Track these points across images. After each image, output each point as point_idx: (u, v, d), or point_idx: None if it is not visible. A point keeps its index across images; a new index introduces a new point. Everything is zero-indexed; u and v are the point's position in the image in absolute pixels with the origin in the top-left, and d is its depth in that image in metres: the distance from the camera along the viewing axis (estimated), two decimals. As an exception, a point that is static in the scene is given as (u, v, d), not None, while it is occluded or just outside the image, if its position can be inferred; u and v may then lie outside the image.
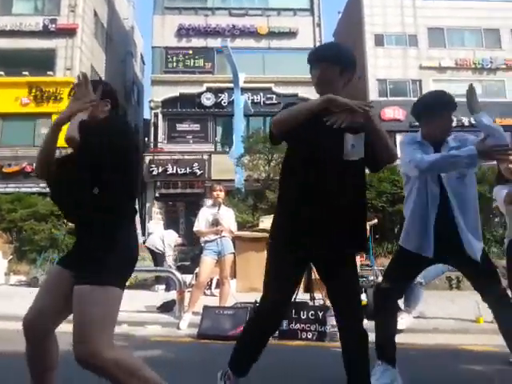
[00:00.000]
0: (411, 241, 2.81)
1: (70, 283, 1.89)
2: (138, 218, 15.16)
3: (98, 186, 1.95)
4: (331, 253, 2.18)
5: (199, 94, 21.30)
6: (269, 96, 21.19)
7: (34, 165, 2.20)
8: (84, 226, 2.00)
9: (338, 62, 2.18)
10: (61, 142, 1.99)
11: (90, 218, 1.94)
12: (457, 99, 2.76)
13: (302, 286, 5.25)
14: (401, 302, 4.09)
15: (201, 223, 5.47)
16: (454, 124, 2.83)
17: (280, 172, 2.44)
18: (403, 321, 4.48)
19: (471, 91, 2.67)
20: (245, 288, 6.96)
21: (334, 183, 2.13)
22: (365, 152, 2.15)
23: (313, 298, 5.12)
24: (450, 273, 5.91)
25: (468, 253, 2.67)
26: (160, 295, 7.19)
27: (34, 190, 16.64)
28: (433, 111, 2.73)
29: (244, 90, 19.05)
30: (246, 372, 2.32)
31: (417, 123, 2.94)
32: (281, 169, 2.44)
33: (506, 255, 3.70)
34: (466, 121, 18.66)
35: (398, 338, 2.87)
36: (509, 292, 3.41)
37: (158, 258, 9.06)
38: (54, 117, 2.17)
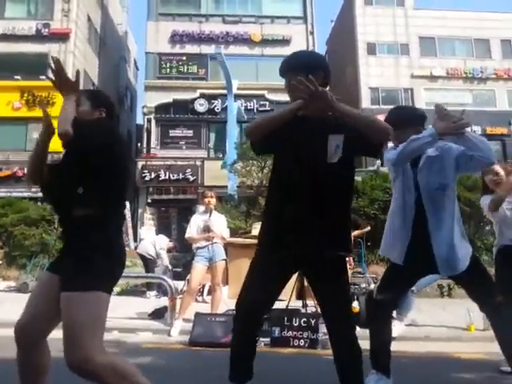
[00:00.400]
0: (385, 247, 2.87)
1: (59, 289, 1.88)
2: (129, 224, 15.11)
3: (84, 186, 1.94)
4: (315, 251, 2.15)
5: (192, 100, 21.32)
6: (262, 103, 21.27)
7: (26, 170, 2.20)
8: (70, 228, 1.99)
9: (300, 70, 2.20)
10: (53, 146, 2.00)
11: (76, 219, 1.93)
12: (448, 108, 2.77)
13: (294, 293, 5.25)
14: (393, 310, 4.09)
15: (192, 230, 5.44)
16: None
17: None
18: (395, 328, 4.47)
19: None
20: (237, 295, 6.90)
21: (316, 184, 2.14)
22: (356, 142, 2.11)
23: (305, 305, 5.12)
24: (441, 280, 5.92)
25: (439, 268, 2.66)
26: (151, 302, 7.13)
27: (25, 194, 16.47)
28: (407, 125, 2.72)
29: (237, 97, 19.12)
30: (246, 379, 2.28)
31: None
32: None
33: (494, 264, 3.74)
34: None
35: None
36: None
37: (149, 264, 9.00)
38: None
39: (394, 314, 4.64)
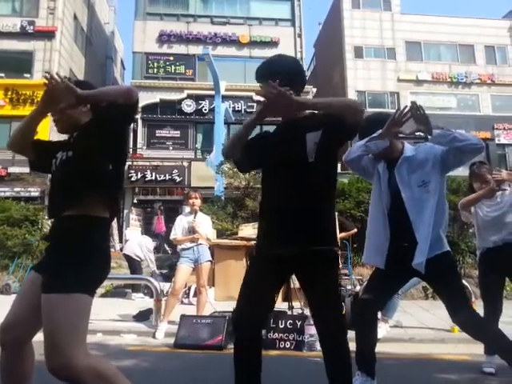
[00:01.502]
0: (368, 254, 2.93)
1: (41, 290, 1.83)
2: (115, 225, 14.93)
3: (94, 184, 1.92)
4: (299, 249, 2.16)
5: (180, 101, 21.22)
6: (250, 104, 21.25)
7: (10, 138, 2.09)
8: (65, 227, 1.93)
9: (266, 76, 2.26)
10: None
11: (79, 218, 1.89)
12: (433, 112, 2.78)
13: (280, 295, 5.25)
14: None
15: (177, 231, 5.41)
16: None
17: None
18: (380, 330, 4.51)
19: (416, 108, 2.54)
20: (223, 296, 6.90)
21: (299, 184, 2.20)
22: (332, 131, 2.17)
23: (291, 307, 5.12)
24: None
25: (414, 263, 2.62)
26: (136, 303, 7.07)
27: (8, 194, 16.25)
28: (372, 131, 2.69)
29: (225, 98, 19.07)
30: None
31: None
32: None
33: (478, 268, 3.79)
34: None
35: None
36: (480, 302, 3.50)
37: (135, 265, 8.95)
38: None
39: (379, 315, 4.67)
